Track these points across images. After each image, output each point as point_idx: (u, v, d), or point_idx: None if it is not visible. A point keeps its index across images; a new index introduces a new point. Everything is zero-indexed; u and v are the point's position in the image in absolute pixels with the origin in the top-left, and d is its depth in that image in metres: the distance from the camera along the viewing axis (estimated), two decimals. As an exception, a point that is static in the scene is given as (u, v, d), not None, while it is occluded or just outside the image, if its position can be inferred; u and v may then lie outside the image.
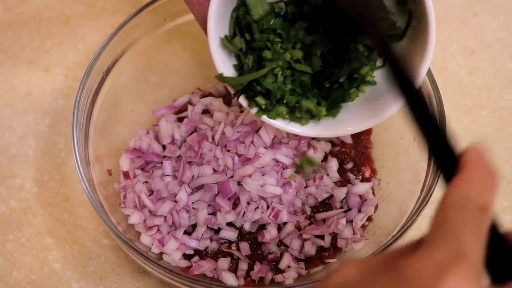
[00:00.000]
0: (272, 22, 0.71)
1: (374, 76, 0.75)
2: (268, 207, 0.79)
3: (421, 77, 0.69)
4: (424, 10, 0.66)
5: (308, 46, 0.71)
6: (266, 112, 0.73)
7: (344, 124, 0.74)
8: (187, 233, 0.80)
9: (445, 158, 0.49)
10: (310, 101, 0.73)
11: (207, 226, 0.80)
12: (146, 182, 0.82)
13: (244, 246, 0.80)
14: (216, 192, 0.78)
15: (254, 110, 0.73)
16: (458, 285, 0.40)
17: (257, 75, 0.70)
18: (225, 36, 0.72)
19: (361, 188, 0.83)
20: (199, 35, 0.78)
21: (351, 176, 0.85)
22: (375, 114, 0.73)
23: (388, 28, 0.71)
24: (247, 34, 0.71)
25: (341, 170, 0.85)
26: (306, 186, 0.81)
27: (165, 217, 0.80)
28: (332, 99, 0.73)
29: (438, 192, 0.87)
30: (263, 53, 0.71)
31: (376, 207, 0.83)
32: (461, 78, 0.98)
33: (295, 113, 0.73)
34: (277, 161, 0.80)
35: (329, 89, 0.73)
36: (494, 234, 0.45)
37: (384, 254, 0.46)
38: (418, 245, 0.44)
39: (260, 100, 0.72)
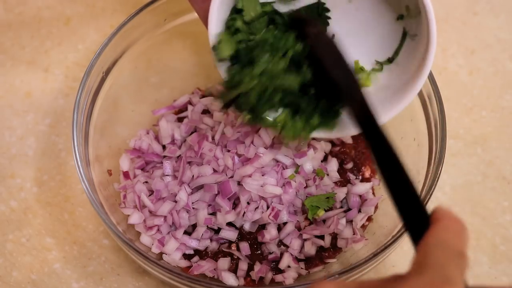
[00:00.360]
0: (263, 31, 0.71)
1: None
2: (268, 207, 0.79)
3: (421, 84, 0.68)
4: (426, 21, 0.65)
5: (298, 53, 0.70)
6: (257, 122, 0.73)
7: (345, 125, 0.74)
8: (187, 233, 0.80)
9: (415, 218, 0.52)
10: (299, 120, 0.72)
11: (207, 226, 0.80)
12: (146, 182, 0.82)
13: (244, 246, 0.80)
14: (216, 192, 0.78)
15: (246, 117, 0.72)
16: None
17: (242, 90, 0.69)
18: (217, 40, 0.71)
19: (361, 188, 0.83)
20: (199, 35, 0.78)
21: (351, 176, 0.85)
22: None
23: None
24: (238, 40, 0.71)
25: (341, 170, 0.85)
26: (306, 186, 0.81)
27: (165, 217, 0.80)
28: (324, 113, 0.73)
29: (438, 192, 0.88)
30: (247, 69, 0.69)
31: (376, 207, 0.83)
32: (461, 78, 0.98)
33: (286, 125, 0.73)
34: (277, 161, 0.80)
35: (321, 100, 0.72)
36: None
37: (362, 282, 0.48)
38: (399, 277, 0.46)
39: (246, 115, 0.71)
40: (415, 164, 0.79)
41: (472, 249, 0.85)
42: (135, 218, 0.80)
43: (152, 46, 0.86)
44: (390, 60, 0.73)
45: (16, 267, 0.83)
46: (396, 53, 0.73)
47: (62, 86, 0.96)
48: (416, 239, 0.51)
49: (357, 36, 0.74)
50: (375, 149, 0.57)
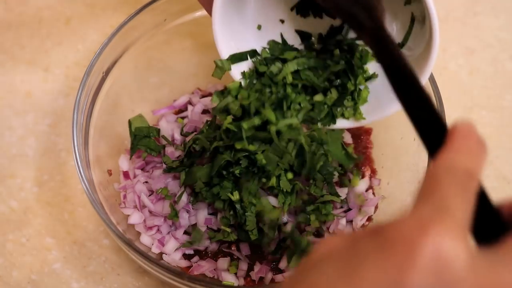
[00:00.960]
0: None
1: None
2: (268, 207, 0.79)
3: (429, 70, 0.66)
4: (428, 18, 0.64)
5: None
6: None
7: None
8: (187, 233, 0.80)
9: (431, 128, 0.48)
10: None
11: (207, 226, 0.80)
12: (146, 182, 0.82)
13: (244, 246, 0.80)
14: (216, 192, 0.78)
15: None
16: (441, 239, 0.39)
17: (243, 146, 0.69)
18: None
19: (362, 186, 0.83)
20: (199, 35, 0.78)
21: (351, 176, 0.85)
22: (380, 109, 0.72)
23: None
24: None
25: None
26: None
27: (165, 217, 0.80)
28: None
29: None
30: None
31: (376, 207, 0.83)
32: (461, 78, 0.98)
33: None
34: (277, 161, 0.80)
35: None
36: (482, 201, 0.45)
37: (372, 224, 0.45)
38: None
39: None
40: (415, 164, 0.79)
41: (472, 249, 0.85)
42: (135, 218, 0.80)
43: (152, 46, 0.86)
44: (401, 45, 0.72)
45: (16, 267, 0.83)
46: (406, 38, 0.72)
47: (62, 86, 0.96)
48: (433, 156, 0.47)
49: None
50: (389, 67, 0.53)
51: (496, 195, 0.90)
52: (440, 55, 0.98)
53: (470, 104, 0.95)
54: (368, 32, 0.57)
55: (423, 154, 0.77)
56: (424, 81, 0.67)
